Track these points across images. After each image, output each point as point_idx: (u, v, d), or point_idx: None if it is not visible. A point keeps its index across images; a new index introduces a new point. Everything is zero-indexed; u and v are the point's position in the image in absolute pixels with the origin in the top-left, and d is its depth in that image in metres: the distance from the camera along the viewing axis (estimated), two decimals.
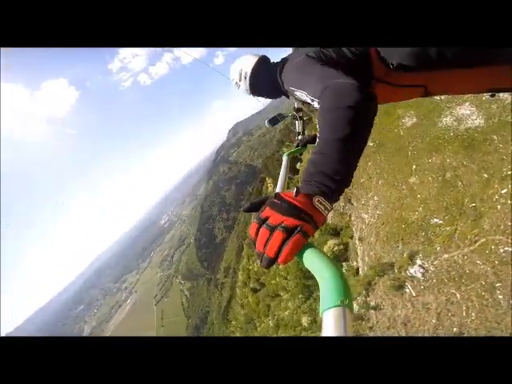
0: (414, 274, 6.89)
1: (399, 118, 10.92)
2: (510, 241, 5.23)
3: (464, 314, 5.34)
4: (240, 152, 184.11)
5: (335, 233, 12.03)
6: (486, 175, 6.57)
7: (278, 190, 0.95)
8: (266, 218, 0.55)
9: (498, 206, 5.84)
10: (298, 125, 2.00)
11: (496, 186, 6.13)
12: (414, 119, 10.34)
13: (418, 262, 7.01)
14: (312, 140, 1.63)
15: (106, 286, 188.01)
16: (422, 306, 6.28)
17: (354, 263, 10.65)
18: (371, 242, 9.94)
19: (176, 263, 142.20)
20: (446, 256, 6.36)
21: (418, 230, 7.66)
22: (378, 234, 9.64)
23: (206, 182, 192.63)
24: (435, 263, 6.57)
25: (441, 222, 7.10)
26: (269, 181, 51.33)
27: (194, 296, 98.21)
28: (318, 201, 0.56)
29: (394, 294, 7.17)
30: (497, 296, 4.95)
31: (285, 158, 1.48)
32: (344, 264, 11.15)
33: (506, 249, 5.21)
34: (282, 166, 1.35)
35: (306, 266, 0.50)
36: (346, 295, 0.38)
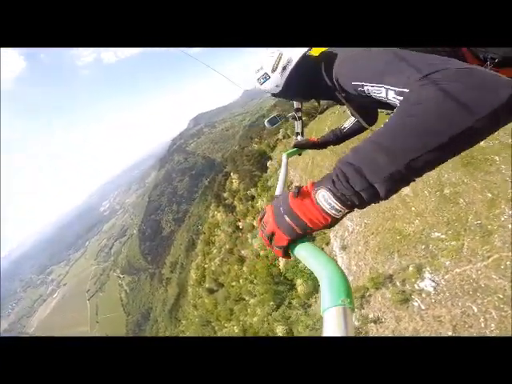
0: (425, 288, 6.74)
1: None
2: None
3: (482, 325, 5.29)
4: (199, 143, 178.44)
5: None
6: (489, 195, 6.71)
7: (278, 189, 0.94)
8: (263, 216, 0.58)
9: (509, 225, 5.94)
10: (297, 125, 1.98)
11: (503, 207, 6.26)
12: None
13: (428, 275, 6.88)
14: (309, 146, 1.70)
15: (27, 277, 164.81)
16: (433, 319, 6.15)
17: None
18: (359, 251, 9.71)
19: (115, 255, 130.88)
20: (457, 270, 6.32)
21: (417, 243, 7.60)
22: (368, 244, 9.45)
23: (157, 169, 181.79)
24: (446, 277, 6.50)
25: (443, 236, 7.10)
26: (234, 176, 48.79)
27: (134, 291, 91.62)
28: (323, 196, 0.50)
29: (397, 307, 6.96)
30: None
31: (284, 158, 1.48)
32: None
33: None
34: (282, 166, 1.33)
35: (305, 264, 0.50)
36: (346, 295, 0.38)
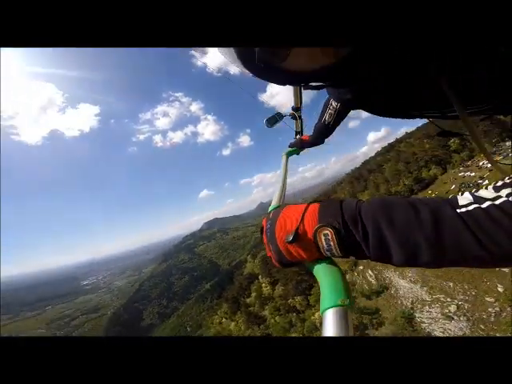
0: None
1: None
2: None
3: None
4: (209, 247, 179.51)
5: None
6: None
7: (276, 198, 0.81)
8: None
9: None
10: (297, 124, 1.96)
11: None
12: None
13: None
14: (303, 145, 1.63)
15: None
16: None
17: None
18: None
19: (73, 328, 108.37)
20: None
21: None
22: None
23: (158, 262, 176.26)
24: None
25: None
26: (263, 280, 43.05)
27: None
28: (326, 235, 0.44)
29: None
30: None
31: (284, 159, 1.39)
32: None
33: None
34: (282, 168, 1.23)
35: (305, 265, 0.50)
36: (346, 295, 0.38)
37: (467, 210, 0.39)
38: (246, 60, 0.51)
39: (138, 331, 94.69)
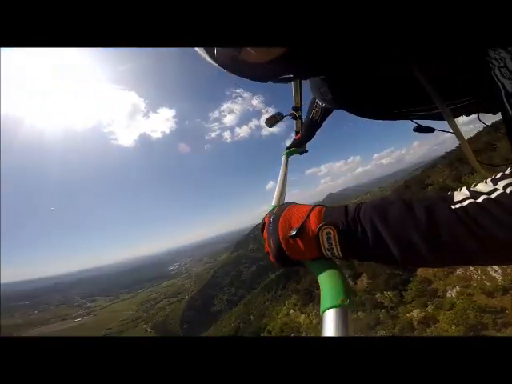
0: None
1: None
2: None
3: None
4: None
5: None
6: None
7: (275, 198, 0.83)
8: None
9: None
10: (297, 124, 1.95)
11: None
12: None
13: None
14: (297, 144, 1.67)
15: (70, 296, 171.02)
16: None
17: None
18: None
19: (157, 310, 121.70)
20: None
21: None
22: None
23: (231, 251, 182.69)
24: None
25: None
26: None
27: None
28: (328, 234, 0.45)
29: None
30: None
31: (284, 159, 1.40)
32: None
33: None
34: (282, 169, 1.21)
35: (305, 265, 0.49)
36: (345, 295, 0.37)
37: (462, 206, 0.39)
38: (211, 56, 0.54)
39: (207, 316, 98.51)
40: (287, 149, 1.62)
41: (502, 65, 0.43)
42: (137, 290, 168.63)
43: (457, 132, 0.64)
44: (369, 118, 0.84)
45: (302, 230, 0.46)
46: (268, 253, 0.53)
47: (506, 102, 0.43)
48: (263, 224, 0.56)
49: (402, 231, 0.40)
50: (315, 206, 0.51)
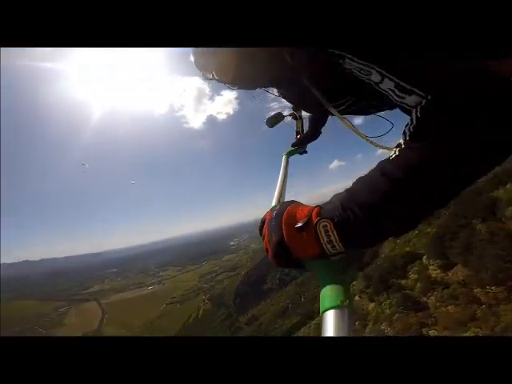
0: None
1: None
2: None
3: None
4: None
5: None
6: None
7: (275, 198, 0.85)
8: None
9: None
10: (297, 124, 1.90)
11: None
12: None
13: None
14: (300, 143, 1.65)
15: (146, 266, 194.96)
16: None
17: None
18: None
19: (215, 283, 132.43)
20: None
21: None
22: None
23: None
24: None
25: None
26: (430, 262, 30.31)
27: (202, 319, 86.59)
28: (324, 227, 0.47)
29: None
30: None
31: (284, 159, 1.39)
32: None
33: None
34: (281, 169, 1.20)
35: (306, 266, 0.50)
36: (345, 296, 0.37)
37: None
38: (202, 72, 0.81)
39: (259, 293, 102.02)
40: (292, 146, 1.63)
41: (355, 67, 0.54)
42: (201, 262, 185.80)
43: (339, 117, 0.74)
44: (318, 114, 1.00)
45: (308, 223, 0.48)
46: (267, 249, 0.53)
47: (380, 90, 0.54)
48: (263, 221, 0.56)
49: (362, 200, 0.46)
50: (315, 206, 0.53)
